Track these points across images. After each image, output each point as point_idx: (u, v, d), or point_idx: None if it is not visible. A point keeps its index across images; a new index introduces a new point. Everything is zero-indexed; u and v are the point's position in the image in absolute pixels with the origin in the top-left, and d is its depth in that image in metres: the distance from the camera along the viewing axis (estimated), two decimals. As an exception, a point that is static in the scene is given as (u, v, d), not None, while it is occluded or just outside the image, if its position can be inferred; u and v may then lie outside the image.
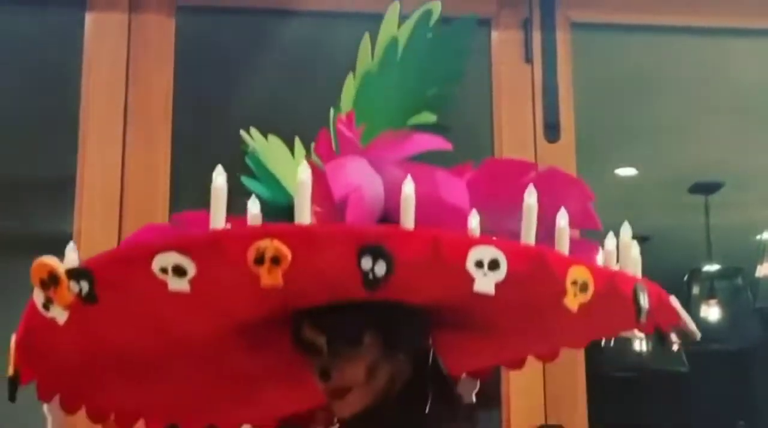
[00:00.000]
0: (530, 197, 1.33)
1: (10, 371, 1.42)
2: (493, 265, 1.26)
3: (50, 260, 1.29)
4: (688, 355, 5.51)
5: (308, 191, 1.28)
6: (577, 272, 1.30)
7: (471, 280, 1.25)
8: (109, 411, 1.67)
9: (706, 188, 4.67)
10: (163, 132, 2.52)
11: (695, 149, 4.17)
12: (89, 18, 2.64)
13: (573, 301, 1.28)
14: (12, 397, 1.42)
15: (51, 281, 1.28)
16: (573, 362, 2.59)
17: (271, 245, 1.21)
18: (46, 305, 1.29)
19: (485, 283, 1.25)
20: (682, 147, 4.14)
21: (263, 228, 1.26)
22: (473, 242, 1.27)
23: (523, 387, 2.55)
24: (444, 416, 1.48)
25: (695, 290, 4.96)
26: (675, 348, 5.36)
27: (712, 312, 4.95)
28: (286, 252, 1.21)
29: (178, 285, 1.24)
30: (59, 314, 1.29)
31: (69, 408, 1.56)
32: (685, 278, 4.95)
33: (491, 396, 2.50)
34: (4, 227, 4.30)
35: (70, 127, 2.57)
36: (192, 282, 1.24)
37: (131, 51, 2.60)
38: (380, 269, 1.22)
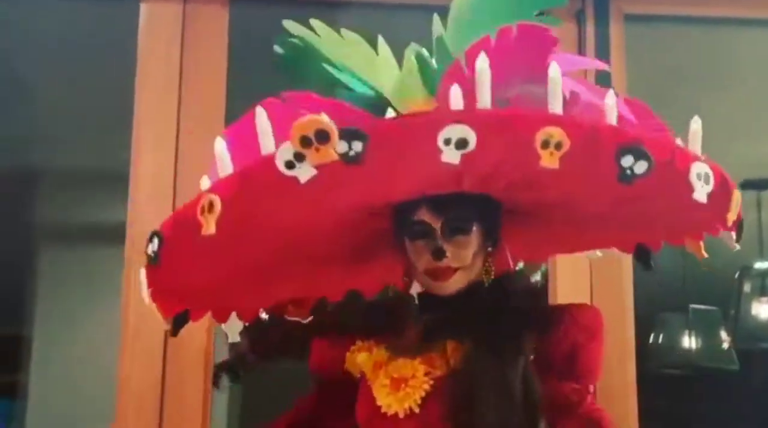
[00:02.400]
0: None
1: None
2: (707, 178, 1.47)
3: (323, 117, 1.36)
4: (738, 353, 5.45)
5: (559, 86, 1.43)
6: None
7: (691, 190, 1.45)
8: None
9: (759, 185, 4.62)
10: (217, 123, 2.54)
11: (747, 144, 4.12)
12: (143, 8, 2.67)
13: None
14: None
15: (318, 137, 1.35)
16: (623, 357, 2.58)
17: (557, 133, 1.36)
18: (291, 164, 1.36)
19: (701, 193, 1.45)
20: (734, 142, 4.08)
21: (552, 116, 1.41)
22: (695, 159, 1.48)
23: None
24: (521, 302, 1.75)
25: (746, 287, 4.90)
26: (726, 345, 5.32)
27: (763, 310, 4.88)
28: (566, 142, 1.36)
29: (452, 158, 1.37)
30: (305, 173, 1.36)
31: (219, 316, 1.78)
32: (737, 275, 4.90)
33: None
34: (58, 218, 4.36)
35: (125, 119, 2.60)
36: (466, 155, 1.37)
37: (185, 41, 2.63)
38: (640, 167, 1.39)
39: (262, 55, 1.76)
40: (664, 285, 4.88)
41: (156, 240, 1.54)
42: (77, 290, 4.19)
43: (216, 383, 2.55)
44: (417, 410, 1.65)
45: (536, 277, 2.26)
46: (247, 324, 1.88)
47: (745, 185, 4.60)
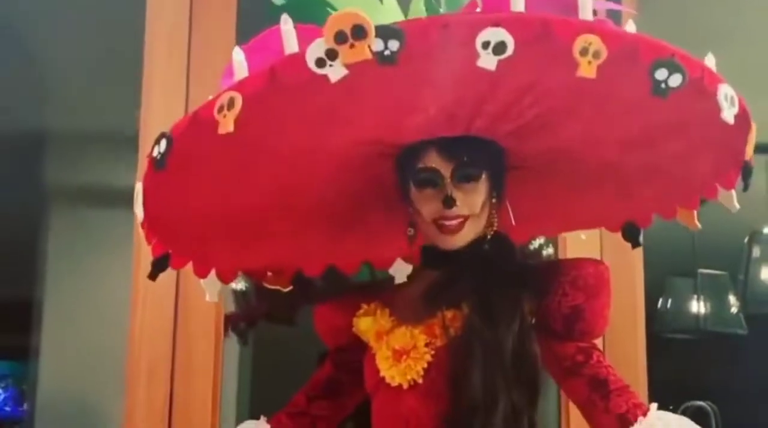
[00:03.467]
0: None
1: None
2: (732, 101, 1.41)
3: (360, 12, 1.29)
4: (746, 318, 5.46)
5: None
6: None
7: (720, 110, 1.38)
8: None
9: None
10: (227, 84, 2.53)
11: (758, 106, 4.09)
12: (152, -34, 2.65)
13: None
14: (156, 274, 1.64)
15: (354, 32, 1.27)
16: (633, 322, 2.59)
17: (596, 41, 1.29)
18: (322, 61, 1.28)
19: (729, 114, 1.39)
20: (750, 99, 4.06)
21: (591, 24, 1.33)
22: (721, 80, 1.41)
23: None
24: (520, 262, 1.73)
25: (756, 252, 4.89)
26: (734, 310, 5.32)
27: (772, 274, 4.88)
28: (604, 51, 1.29)
29: (489, 63, 1.29)
30: (336, 72, 1.29)
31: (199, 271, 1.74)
32: (746, 239, 4.89)
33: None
34: (69, 179, 4.36)
35: (135, 81, 2.59)
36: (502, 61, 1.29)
37: (194, 1, 2.61)
38: (674, 81, 1.32)
39: (272, 8, 1.73)
40: (673, 250, 4.88)
41: (164, 142, 1.43)
42: (88, 253, 4.20)
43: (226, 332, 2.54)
44: (420, 381, 1.64)
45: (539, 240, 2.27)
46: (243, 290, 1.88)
47: (757, 149, 4.57)
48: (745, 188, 1.63)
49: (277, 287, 1.92)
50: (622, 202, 1.84)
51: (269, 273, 1.92)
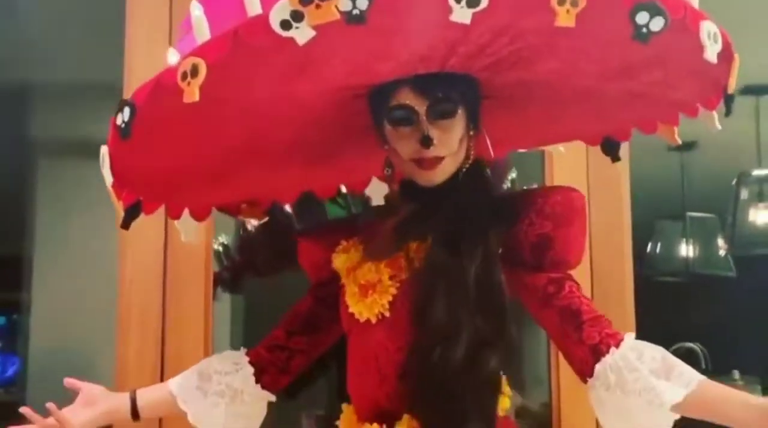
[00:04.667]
0: None
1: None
2: (716, 37, 1.41)
3: None
4: (734, 260, 5.49)
5: None
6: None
7: (702, 50, 1.38)
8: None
9: (757, 90, 4.58)
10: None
11: (746, 49, 4.07)
12: None
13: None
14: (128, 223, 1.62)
15: None
16: (620, 264, 2.59)
17: None
18: (287, 24, 1.25)
19: (712, 52, 1.39)
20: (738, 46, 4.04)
21: None
22: (703, 17, 1.40)
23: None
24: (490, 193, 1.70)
25: (744, 194, 4.91)
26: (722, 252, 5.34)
27: (760, 216, 4.89)
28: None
29: (463, 17, 1.26)
30: (303, 34, 1.26)
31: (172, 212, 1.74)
32: (734, 182, 4.90)
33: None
34: (54, 133, 4.33)
35: (118, 30, 2.56)
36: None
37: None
38: (656, 24, 1.30)
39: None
40: (661, 194, 4.90)
41: (127, 110, 1.41)
42: (75, 205, 4.19)
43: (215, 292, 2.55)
44: (388, 315, 1.63)
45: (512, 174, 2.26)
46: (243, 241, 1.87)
47: (744, 91, 4.57)
48: (727, 112, 1.61)
49: (252, 218, 1.91)
50: (600, 120, 1.82)
51: (243, 205, 1.92)
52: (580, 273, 2.53)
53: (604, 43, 1.46)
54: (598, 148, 1.85)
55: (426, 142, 1.56)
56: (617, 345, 1.54)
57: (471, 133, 1.64)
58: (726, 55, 1.46)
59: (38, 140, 4.38)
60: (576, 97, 1.68)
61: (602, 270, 2.57)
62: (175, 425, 2.35)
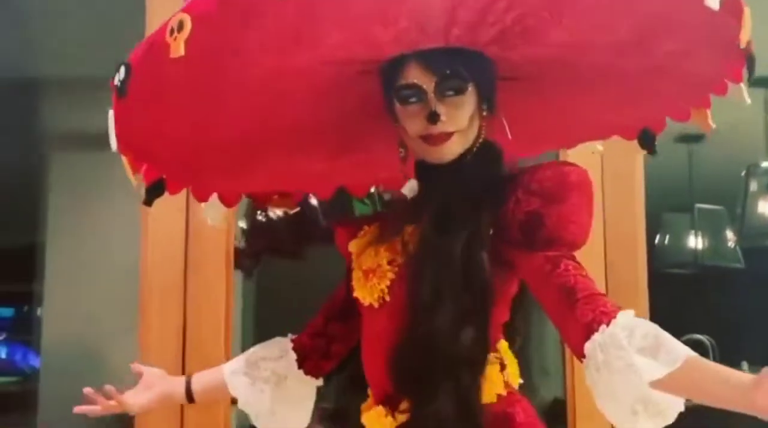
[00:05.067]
0: None
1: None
2: None
3: None
4: (743, 251, 5.50)
5: None
6: None
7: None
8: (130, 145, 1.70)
9: (767, 82, 4.59)
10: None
11: (756, 40, 4.07)
12: None
13: None
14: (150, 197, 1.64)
15: None
16: (634, 253, 2.60)
17: None
18: None
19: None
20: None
21: None
22: None
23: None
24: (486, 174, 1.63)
25: (753, 185, 4.91)
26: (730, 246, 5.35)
27: (769, 208, 4.90)
28: None
29: None
30: None
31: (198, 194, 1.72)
32: (743, 173, 4.91)
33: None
34: (66, 124, 4.35)
35: (135, 21, 2.58)
36: None
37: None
38: None
39: None
40: (670, 186, 4.90)
41: (123, 69, 1.43)
42: (89, 195, 4.21)
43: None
44: (388, 299, 1.64)
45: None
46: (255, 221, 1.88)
47: (754, 83, 4.57)
48: (750, 75, 1.60)
49: (285, 209, 1.93)
50: (631, 108, 1.79)
51: (275, 196, 1.93)
52: (593, 265, 2.55)
53: (607, 8, 1.46)
54: (611, 141, 1.85)
55: (433, 118, 1.54)
56: (608, 323, 1.44)
57: (484, 113, 1.62)
58: (732, 6, 1.44)
59: (51, 132, 4.41)
60: (595, 77, 1.66)
61: (616, 262, 2.58)
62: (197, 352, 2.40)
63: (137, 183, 1.67)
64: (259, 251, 2.83)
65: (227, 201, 1.90)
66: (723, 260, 5.57)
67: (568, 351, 2.53)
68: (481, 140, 1.63)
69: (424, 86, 1.56)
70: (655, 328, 1.45)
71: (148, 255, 2.48)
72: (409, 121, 1.60)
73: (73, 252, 4.23)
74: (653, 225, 5.49)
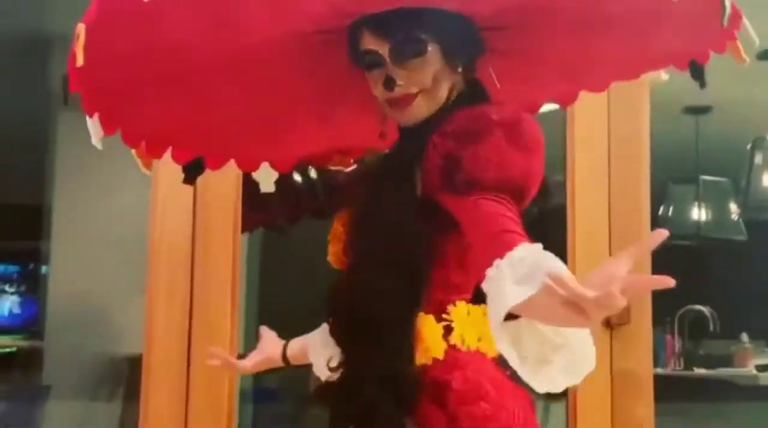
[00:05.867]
0: None
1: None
2: None
3: None
4: (746, 224, 5.51)
5: None
6: None
7: None
8: (142, 135, 1.72)
9: (774, 55, 4.58)
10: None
11: (764, 14, 4.06)
12: None
13: None
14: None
15: None
16: (639, 224, 2.61)
17: None
18: None
19: None
20: (751, 12, 4.02)
21: None
22: None
23: (588, 241, 2.60)
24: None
25: (758, 158, 4.91)
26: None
27: (774, 181, 4.91)
28: None
29: None
30: None
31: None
32: (749, 146, 4.91)
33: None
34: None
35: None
36: None
37: None
38: None
39: None
40: (675, 157, 4.91)
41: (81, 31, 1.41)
42: (97, 156, 4.22)
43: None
44: (346, 261, 1.61)
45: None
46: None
47: (761, 56, 4.57)
48: None
49: (340, 167, 1.93)
50: (679, 39, 1.65)
51: (336, 155, 1.94)
52: (598, 234, 2.59)
53: None
54: (618, 106, 1.82)
55: (388, 83, 1.51)
56: (503, 257, 1.32)
57: (459, 69, 1.56)
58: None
59: (59, 91, 4.41)
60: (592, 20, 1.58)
61: (620, 231, 2.60)
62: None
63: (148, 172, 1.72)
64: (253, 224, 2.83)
65: (280, 167, 1.91)
66: (726, 232, 5.58)
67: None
68: (455, 97, 1.56)
69: (380, 52, 1.53)
70: (541, 256, 1.30)
71: (156, 220, 2.50)
72: (374, 86, 1.57)
73: (81, 211, 4.25)
74: (658, 196, 5.50)
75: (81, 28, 1.39)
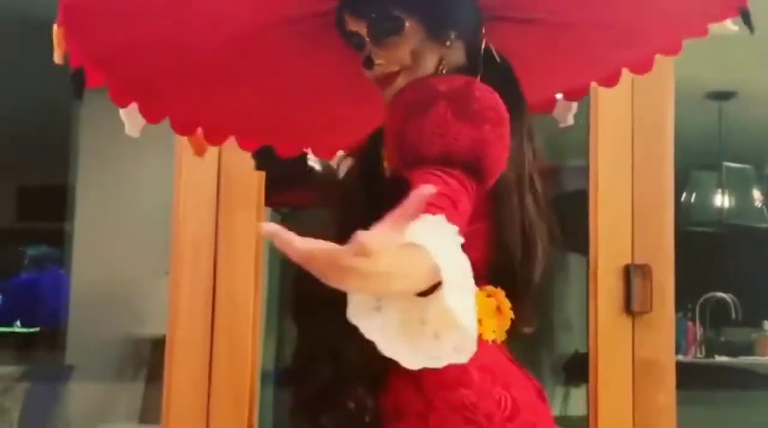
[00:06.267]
0: None
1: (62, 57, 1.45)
2: None
3: None
4: (770, 211, 5.50)
5: None
6: None
7: None
8: (196, 123, 1.72)
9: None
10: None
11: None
12: None
13: None
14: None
15: None
16: (662, 210, 2.61)
17: None
18: None
19: None
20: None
21: None
22: None
23: (610, 226, 2.58)
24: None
25: (782, 145, 4.90)
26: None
27: (798, 168, 4.89)
28: None
29: None
30: None
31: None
32: (773, 132, 4.89)
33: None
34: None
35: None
36: None
37: None
38: None
39: None
40: (698, 144, 4.89)
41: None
42: (121, 138, 4.24)
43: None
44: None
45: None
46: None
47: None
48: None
49: None
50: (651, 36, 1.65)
51: None
52: (620, 220, 2.59)
53: None
54: (642, 91, 1.80)
55: (367, 63, 1.50)
56: None
57: (448, 42, 1.51)
58: None
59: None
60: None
61: (643, 217, 2.59)
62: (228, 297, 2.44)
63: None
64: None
65: (324, 154, 1.91)
66: (748, 219, 5.57)
67: (591, 304, 2.57)
68: (447, 70, 1.50)
69: (360, 32, 1.51)
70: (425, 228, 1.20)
71: (180, 200, 2.51)
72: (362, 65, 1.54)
73: (105, 193, 4.28)
74: (680, 182, 5.48)
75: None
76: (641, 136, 2.58)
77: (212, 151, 2.38)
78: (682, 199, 5.58)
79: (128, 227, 4.09)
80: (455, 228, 1.16)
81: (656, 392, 2.53)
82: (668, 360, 2.56)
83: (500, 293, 1.48)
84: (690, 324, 5.54)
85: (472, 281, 1.13)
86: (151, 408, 3.92)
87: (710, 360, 5.44)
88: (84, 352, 4.29)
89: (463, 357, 1.14)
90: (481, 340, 1.39)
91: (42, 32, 4.02)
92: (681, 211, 5.51)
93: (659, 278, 2.56)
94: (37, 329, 5.95)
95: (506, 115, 1.38)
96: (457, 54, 1.51)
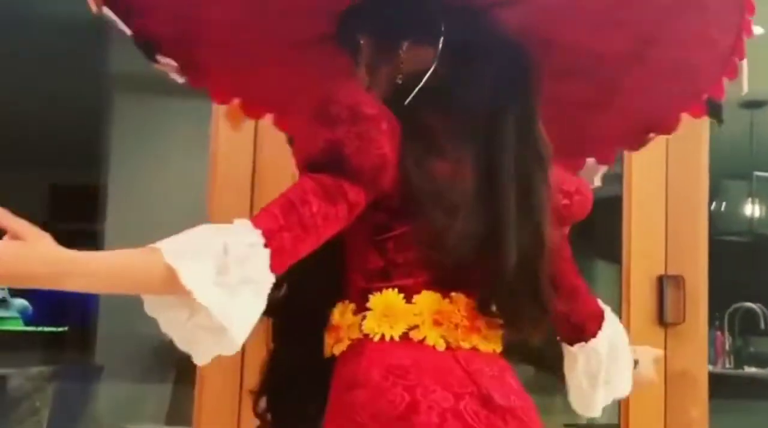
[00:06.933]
0: None
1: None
2: None
3: None
4: (801, 222, 5.46)
5: None
6: None
7: None
8: (235, 93, 1.85)
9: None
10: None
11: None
12: None
13: None
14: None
15: None
16: (695, 219, 2.59)
17: None
18: None
19: None
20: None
21: None
22: None
23: (644, 235, 2.56)
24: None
25: (814, 155, 4.86)
26: None
27: (832, 178, 4.85)
28: None
29: None
30: None
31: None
32: (806, 143, 4.85)
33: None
34: (130, 66, 4.39)
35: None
36: None
37: None
38: None
39: None
40: (728, 153, 4.85)
41: None
42: (154, 138, 4.25)
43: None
44: None
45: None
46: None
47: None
48: None
49: None
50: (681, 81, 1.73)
51: None
52: (654, 230, 2.57)
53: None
54: None
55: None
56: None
57: (404, 47, 1.50)
58: None
59: (117, 73, 4.45)
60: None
61: (676, 225, 2.58)
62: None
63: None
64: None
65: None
66: (780, 228, 5.53)
67: (624, 314, 2.56)
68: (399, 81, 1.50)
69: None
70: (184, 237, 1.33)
71: (214, 201, 2.51)
72: None
73: (137, 194, 4.29)
74: (711, 191, 5.44)
75: None
76: (676, 145, 2.57)
77: (247, 150, 2.39)
78: (712, 208, 5.54)
79: (160, 227, 4.08)
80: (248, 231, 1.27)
81: (689, 404, 2.51)
82: (701, 371, 2.55)
83: (461, 298, 1.45)
84: (719, 333, 5.50)
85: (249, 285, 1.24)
86: (177, 410, 3.93)
87: (739, 371, 5.41)
88: (113, 353, 4.30)
89: (224, 350, 1.27)
90: (410, 343, 1.40)
91: (74, 33, 4.03)
92: (711, 220, 5.47)
93: (692, 289, 2.55)
94: (66, 329, 5.98)
95: (371, 111, 1.36)
96: (422, 54, 1.49)
